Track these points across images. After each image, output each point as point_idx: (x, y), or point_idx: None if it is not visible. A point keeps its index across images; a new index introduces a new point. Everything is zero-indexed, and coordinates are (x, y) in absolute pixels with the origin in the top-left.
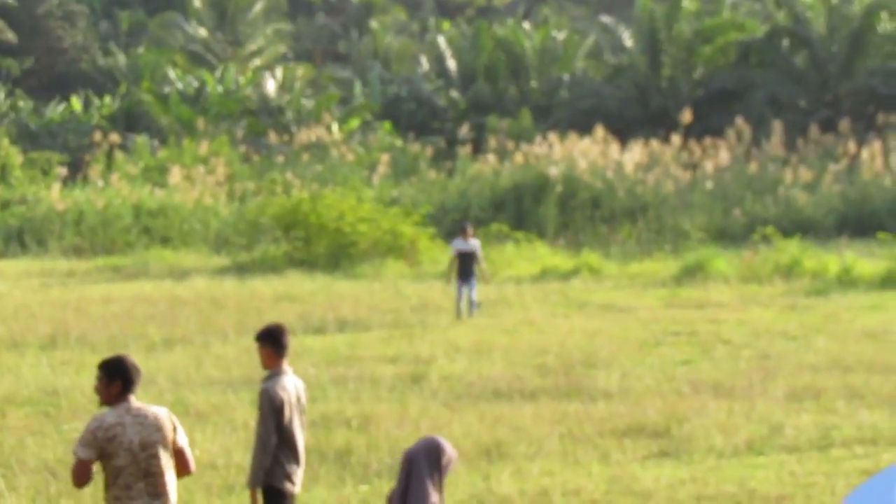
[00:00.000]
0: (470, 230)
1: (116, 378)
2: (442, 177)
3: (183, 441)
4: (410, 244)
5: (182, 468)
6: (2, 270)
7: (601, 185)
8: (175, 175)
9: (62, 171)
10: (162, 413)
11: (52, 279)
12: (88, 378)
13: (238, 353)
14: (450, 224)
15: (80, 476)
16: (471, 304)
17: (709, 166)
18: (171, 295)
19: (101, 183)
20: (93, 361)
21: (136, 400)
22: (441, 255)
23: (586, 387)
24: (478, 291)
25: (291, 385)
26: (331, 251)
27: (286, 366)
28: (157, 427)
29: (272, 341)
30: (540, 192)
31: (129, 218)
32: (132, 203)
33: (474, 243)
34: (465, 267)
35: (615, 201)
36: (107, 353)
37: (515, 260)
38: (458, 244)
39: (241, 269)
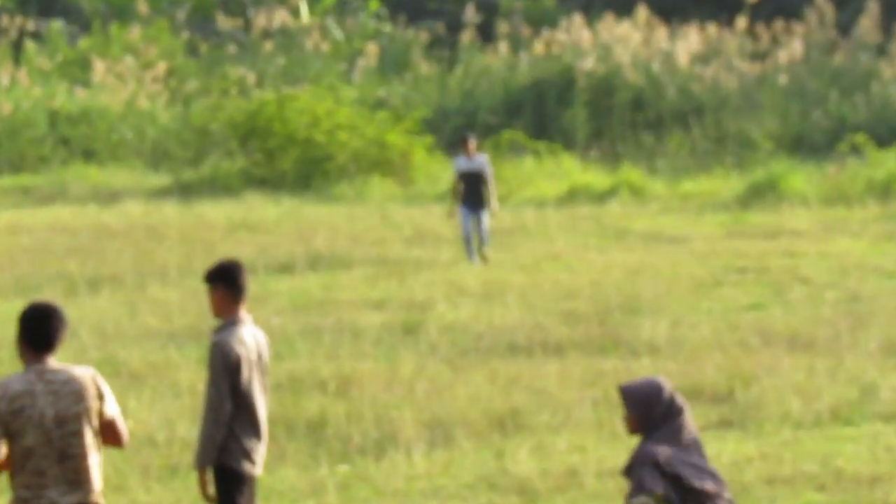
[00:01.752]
0: (473, 143)
1: (25, 334)
2: (441, 72)
3: (112, 411)
4: (401, 158)
5: (112, 443)
6: None
7: (645, 81)
8: (100, 70)
9: None
10: (85, 377)
11: None
12: None
13: (182, 298)
14: (451, 132)
15: None
16: (481, 240)
17: (782, 57)
18: (96, 223)
19: (5, 81)
20: None
21: (53, 361)
22: (441, 172)
23: (626, 338)
24: (487, 222)
25: (251, 338)
26: (300, 167)
27: (244, 313)
28: (78, 396)
29: (226, 282)
30: (566, 92)
31: (43, 126)
32: (46, 107)
33: (480, 160)
34: (471, 192)
35: (663, 102)
36: (14, 299)
37: (535, 178)
38: (460, 162)
39: (186, 191)
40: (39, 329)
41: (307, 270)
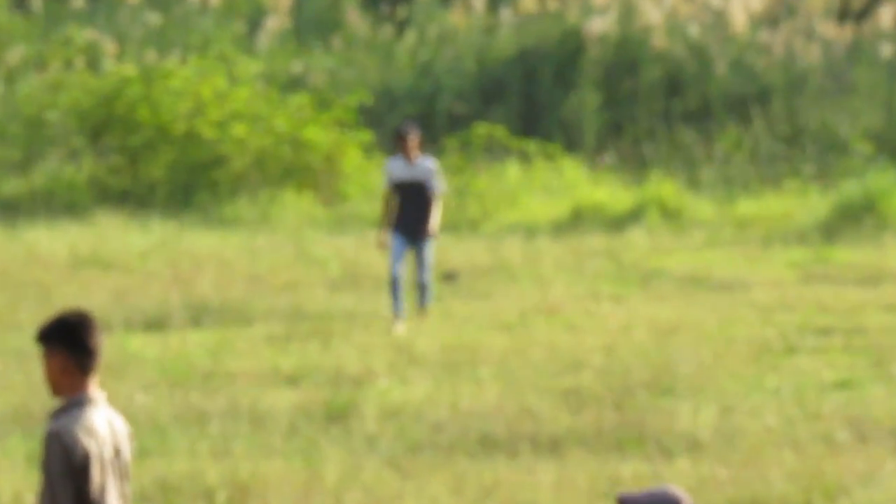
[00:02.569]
0: (415, 139)
1: None
2: (386, 38)
3: None
4: (326, 163)
5: None
6: None
7: (684, 52)
8: None
9: None
10: None
11: None
12: None
13: (4, 366)
14: (399, 125)
15: None
16: (420, 287)
17: (885, 18)
18: None
19: None
20: None
21: None
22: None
23: (654, 430)
24: (432, 259)
25: (104, 425)
26: (178, 176)
27: (95, 390)
28: None
29: (68, 344)
30: (569, 68)
31: None
32: None
33: (425, 166)
34: (409, 211)
35: (711, 83)
36: None
37: (523, 193)
38: (395, 167)
39: (9, 209)
40: None
41: (188, 327)
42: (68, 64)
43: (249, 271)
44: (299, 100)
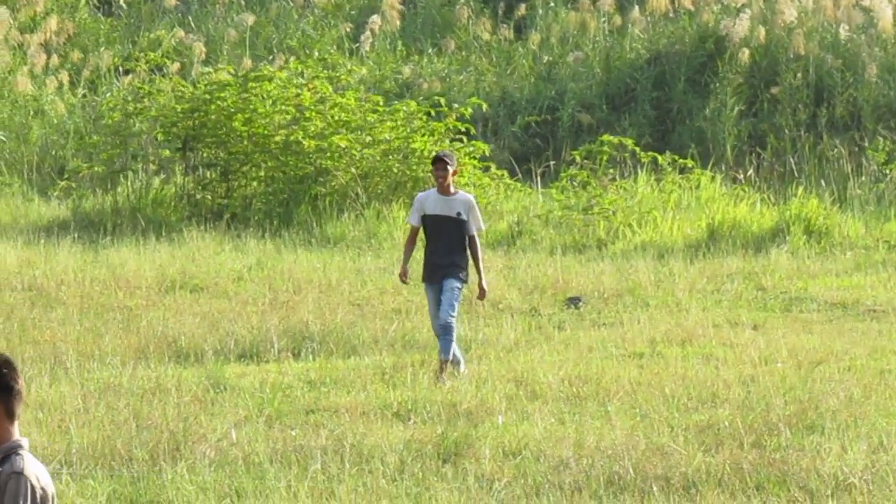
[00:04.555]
0: (452, 167)
1: None
2: (505, 41)
3: None
4: None
5: None
6: None
7: (830, 56)
8: None
9: None
10: None
11: None
12: None
13: (84, 400)
14: (521, 136)
15: None
16: (443, 328)
17: None
18: None
19: None
20: None
21: None
22: (505, 201)
23: (798, 470)
24: (458, 301)
25: (43, 475)
26: (275, 191)
27: (19, 436)
28: None
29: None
30: (705, 73)
31: None
32: None
33: (461, 200)
34: (439, 250)
35: (860, 90)
36: None
37: (654, 209)
38: (428, 201)
39: (91, 227)
40: None
41: (287, 357)
42: (156, 69)
43: (354, 295)
44: (408, 108)
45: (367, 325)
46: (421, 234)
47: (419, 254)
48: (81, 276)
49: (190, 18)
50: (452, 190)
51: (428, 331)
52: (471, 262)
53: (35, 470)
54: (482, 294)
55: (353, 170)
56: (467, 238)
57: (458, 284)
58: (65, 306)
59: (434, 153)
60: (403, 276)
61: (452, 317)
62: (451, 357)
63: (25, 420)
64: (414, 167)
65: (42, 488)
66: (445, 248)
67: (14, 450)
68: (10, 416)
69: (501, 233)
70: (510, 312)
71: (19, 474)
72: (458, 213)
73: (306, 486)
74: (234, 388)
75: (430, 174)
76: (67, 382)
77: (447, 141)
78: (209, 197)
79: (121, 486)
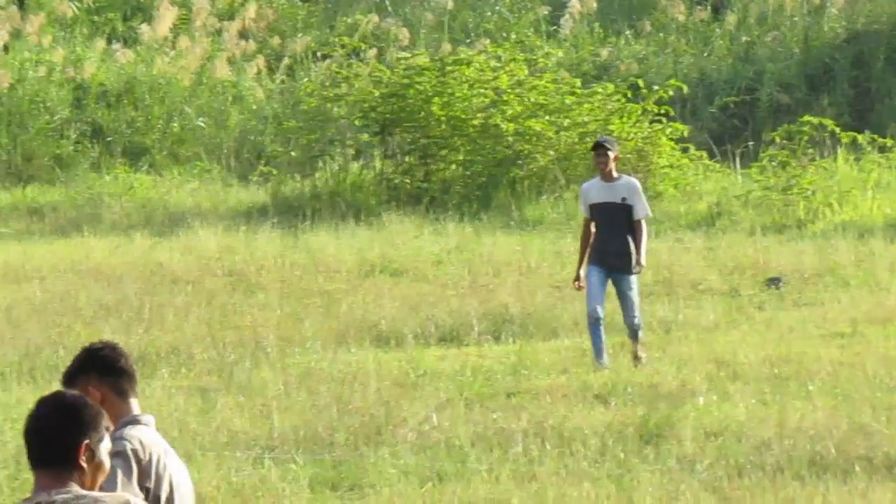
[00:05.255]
0: (613, 152)
1: None
2: (702, 20)
3: None
4: (637, 158)
5: None
6: None
7: None
8: (162, 19)
9: None
10: None
11: None
12: None
13: (285, 384)
14: (718, 117)
15: None
16: (631, 330)
17: None
18: (147, 264)
19: (1, 35)
20: None
21: (73, 484)
22: (704, 181)
23: None
24: (638, 296)
25: (153, 443)
26: (474, 175)
27: (139, 412)
28: None
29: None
30: None
31: (63, 108)
32: (69, 78)
33: (625, 185)
34: (606, 237)
35: None
36: (14, 385)
37: (855, 189)
38: (592, 189)
39: (291, 212)
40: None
41: (487, 340)
42: (354, 53)
43: (554, 278)
44: (606, 90)
45: (566, 308)
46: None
47: None
48: (281, 261)
49: (387, 2)
50: (615, 175)
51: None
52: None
53: (142, 435)
54: (638, 270)
55: (551, 152)
56: (634, 223)
57: (633, 279)
58: (265, 291)
59: (600, 140)
60: (577, 283)
61: (639, 316)
62: (637, 340)
63: (227, 404)
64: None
65: (147, 452)
66: (613, 235)
67: (131, 422)
68: (121, 394)
69: (701, 214)
70: (710, 294)
71: (119, 439)
72: (623, 199)
73: (507, 468)
74: (434, 371)
75: (627, 156)
76: (268, 367)
77: (645, 123)
78: (408, 181)
79: (323, 470)
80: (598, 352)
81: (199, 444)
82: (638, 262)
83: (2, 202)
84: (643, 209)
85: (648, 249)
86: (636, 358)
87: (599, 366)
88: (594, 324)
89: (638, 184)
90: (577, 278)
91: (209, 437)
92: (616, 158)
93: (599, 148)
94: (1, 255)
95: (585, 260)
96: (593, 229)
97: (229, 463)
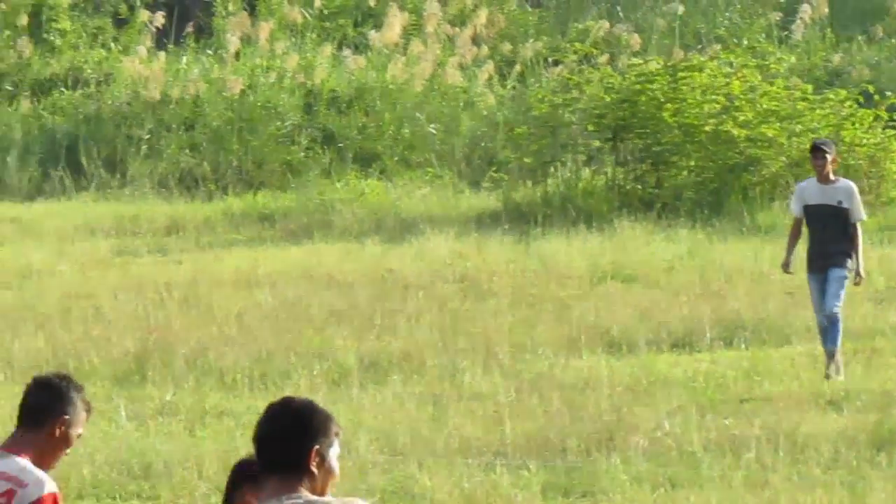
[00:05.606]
0: (831, 155)
1: None
2: None
3: None
4: (869, 165)
5: None
6: (36, 224)
7: None
8: (391, 26)
9: (156, 18)
10: None
11: (136, 240)
12: (213, 442)
13: (517, 391)
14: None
15: None
16: (829, 320)
17: None
18: (378, 271)
19: (234, 43)
20: (222, 406)
21: (304, 489)
22: None
23: None
24: (843, 291)
25: None
26: (705, 181)
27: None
28: None
29: None
30: None
31: (295, 114)
32: (300, 84)
33: (841, 188)
34: (820, 240)
35: None
36: (249, 393)
37: None
38: (807, 190)
39: (522, 219)
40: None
41: (719, 346)
42: (585, 59)
43: (786, 284)
44: (838, 96)
45: (798, 314)
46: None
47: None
48: (513, 267)
49: (619, 8)
50: (832, 178)
51: (859, 318)
52: None
53: None
54: (859, 281)
55: (782, 158)
56: (849, 227)
57: (844, 273)
58: (496, 297)
59: (815, 143)
60: (786, 267)
61: (838, 307)
62: (838, 346)
63: (459, 411)
64: (844, 155)
65: None
66: (828, 238)
67: None
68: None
69: None
70: None
71: None
72: (839, 202)
73: (740, 475)
74: (666, 378)
75: (859, 162)
76: (500, 373)
77: (878, 129)
78: (639, 187)
79: (555, 476)
80: (830, 358)
81: (430, 450)
82: (858, 274)
83: (233, 208)
84: (859, 213)
85: (862, 258)
86: (829, 372)
87: (829, 376)
88: (828, 329)
89: (855, 187)
90: (786, 264)
91: (441, 444)
92: (833, 161)
93: (817, 150)
94: (232, 261)
95: (804, 268)
96: (804, 229)
97: (461, 469)
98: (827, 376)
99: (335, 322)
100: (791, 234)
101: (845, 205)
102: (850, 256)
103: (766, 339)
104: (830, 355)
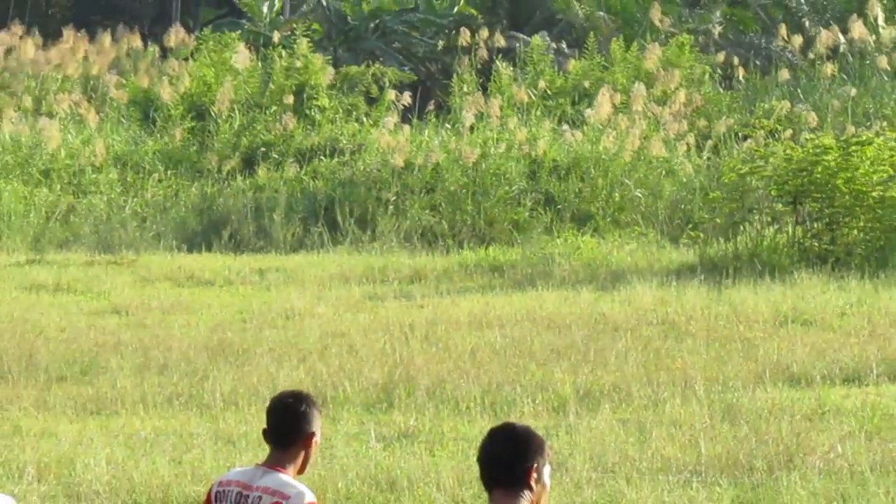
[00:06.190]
0: None
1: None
2: None
3: None
4: None
5: None
6: (298, 272)
7: None
8: (602, 105)
9: (401, 97)
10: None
11: (384, 287)
12: (449, 460)
13: (711, 418)
14: None
15: None
16: None
17: None
18: (592, 314)
19: (469, 118)
20: (457, 430)
21: (525, 501)
22: None
23: None
24: None
25: None
26: (873, 239)
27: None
28: None
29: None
30: None
31: (521, 180)
32: (525, 154)
33: None
34: None
35: None
36: (479, 417)
37: None
38: None
39: (715, 270)
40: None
41: (884, 381)
42: (770, 134)
43: None
44: None
45: None
46: None
47: None
48: (707, 312)
49: (799, 90)
50: None
51: None
52: None
53: None
54: None
55: None
56: None
57: None
58: (693, 338)
59: None
60: None
61: None
62: None
63: (660, 435)
64: None
65: None
66: None
67: None
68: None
69: None
70: None
71: None
72: None
73: None
74: (838, 408)
75: None
76: (696, 403)
77: None
78: (816, 244)
79: (742, 491)
80: None
81: (636, 468)
82: None
83: (467, 260)
84: None
85: None
86: None
87: None
88: None
89: None
90: None
91: (645, 463)
92: None
93: None
94: (467, 305)
95: None
96: None
97: (662, 485)
98: None
99: (555, 358)
100: None
101: None
102: None
103: None
104: None
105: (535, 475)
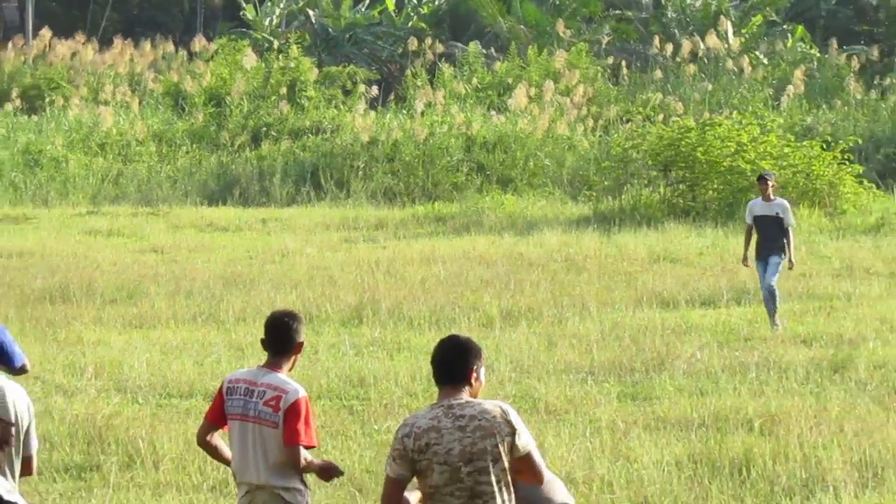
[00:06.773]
0: (772, 183)
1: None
2: (873, 98)
3: (526, 446)
4: (829, 188)
5: (529, 479)
6: (291, 221)
7: None
8: (520, 96)
9: (369, 90)
10: (494, 411)
11: (355, 232)
12: (405, 363)
13: (602, 331)
14: (883, 162)
15: (389, 499)
16: (769, 291)
17: None
18: (512, 254)
19: (420, 106)
20: (411, 340)
21: (465, 395)
22: (871, 203)
23: None
24: (779, 269)
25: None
26: (723, 197)
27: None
28: (486, 431)
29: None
30: None
31: (459, 152)
32: (462, 133)
33: (778, 204)
34: (764, 240)
35: None
36: (428, 331)
37: None
38: (756, 206)
39: (605, 221)
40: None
41: (732, 304)
42: (647, 118)
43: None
44: (810, 144)
45: (785, 283)
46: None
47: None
48: (599, 252)
49: (668, 86)
50: (772, 197)
51: (822, 287)
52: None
53: None
54: (791, 266)
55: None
56: (784, 230)
57: (779, 259)
58: (588, 272)
59: (762, 175)
60: (744, 261)
61: (774, 282)
62: (776, 309)
63: (564, 345)
64: (813, 181)
65: None
66: (770, 238)
67: None
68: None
69: (871, 224)
70: (878, 275)
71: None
72: (777, 213)
73: (745, 388)
74: (697, 324)
75: (823, 186)
76: (591, 321)
77: (835, 165)
78: (681, 201)
79: (626, 387)
80: (771, 316)
81: (545, 370)
82: (790, 261)
83: (418, 213)
84: (791, 221)
85: (794, 250)
86: (774, 324)
87: (774, 327)
88: (768, 297)
89: (788, 204)
90: (745, 259)
91: (552, 366)
92: (773, 186)
93: (762, 179)
94: (418, 246)
95: (752, 256)
96: (754, 234)
97: (565, 383)
98: (774, 328)
99: (484, 286)
100: (746, 236)
101: (781, 215)
102: (784, 249)
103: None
104: (772, 314)
105: (474, 374)
